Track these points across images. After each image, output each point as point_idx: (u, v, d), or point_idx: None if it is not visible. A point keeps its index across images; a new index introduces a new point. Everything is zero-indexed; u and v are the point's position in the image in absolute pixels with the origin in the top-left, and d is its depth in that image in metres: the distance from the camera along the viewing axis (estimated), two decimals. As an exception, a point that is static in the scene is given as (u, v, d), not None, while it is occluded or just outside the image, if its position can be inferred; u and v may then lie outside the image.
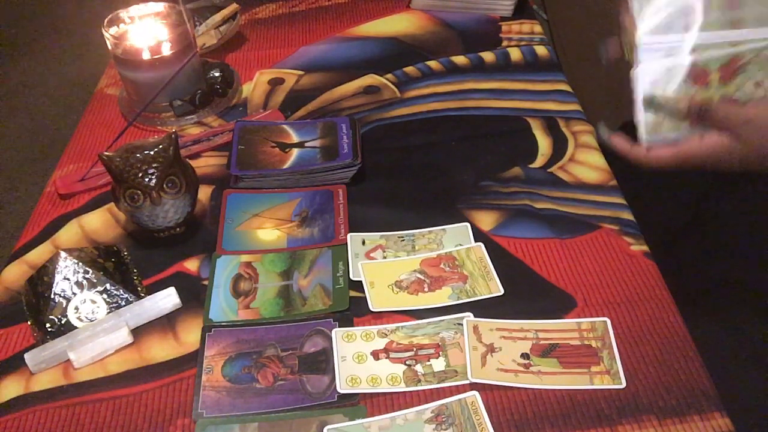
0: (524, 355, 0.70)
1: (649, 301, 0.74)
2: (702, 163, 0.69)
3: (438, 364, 0.70)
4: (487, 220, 0.85)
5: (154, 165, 0.79)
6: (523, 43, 1.16)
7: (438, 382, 0.68)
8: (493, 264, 0.79)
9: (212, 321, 0.76)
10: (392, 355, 0.71)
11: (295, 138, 0.98)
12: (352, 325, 0.74)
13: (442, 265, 0.80)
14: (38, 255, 0.86)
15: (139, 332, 0.76)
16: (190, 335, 0.76)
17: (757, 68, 0.65)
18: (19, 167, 2.28)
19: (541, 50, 1.14)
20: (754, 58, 0.65)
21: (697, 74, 0.67)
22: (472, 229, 0.84)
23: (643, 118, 0.69)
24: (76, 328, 0.76)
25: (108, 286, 0.78)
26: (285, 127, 1.01)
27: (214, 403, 0.68)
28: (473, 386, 0.68)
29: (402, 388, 0.68)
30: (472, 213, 0.87)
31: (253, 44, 1.24)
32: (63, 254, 0.78)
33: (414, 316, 0.75)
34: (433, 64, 1.14)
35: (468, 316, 0.74)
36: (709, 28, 0.66)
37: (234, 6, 1.24)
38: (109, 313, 0.77)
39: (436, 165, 0.95)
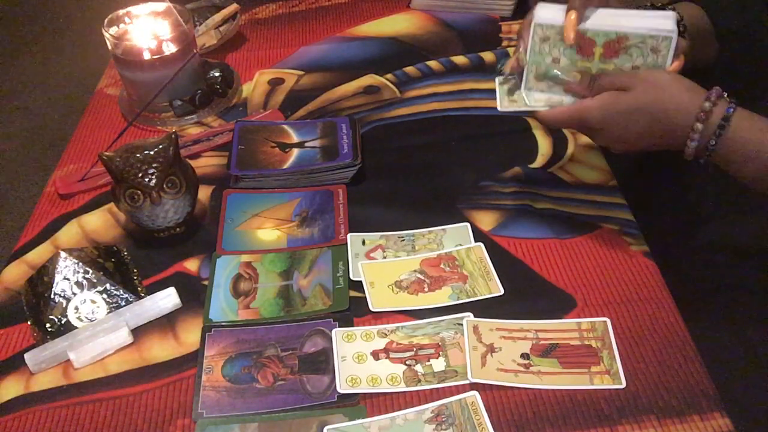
0: (524, 355, 0.70)
1: (649, 301, 0.74)
2: (598, 121, 0.72)
3: (438, 364, 0.70)
4: (487, 220, 0.85)
5: (154, 165, 0.79)
6: (523, 43, 1.16)
7: (438, 382, 0.68)
8: (493, 264, 0.79)
9: (212, 321, 0.76)
10: (392, 355, 0.71)
11: (295, 138, 0.98)
12: (352, 325, 0.74)
13: (442, 265, 0.80)
14: (38, 255, 0.86)
15: (139, 332, 0.76)
16: (190, 335, 0.76)
17: (639, 53, 0.71)
18: (19, 167, 2.28)
19: (541, 50, 1.14)
20: (639, 43, 0.70)
21: (584, 44, 0.73)
22: (472, 229, 0.84)
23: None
24: (76, 328, 0.76)
25: (108, 286, 0.78)
26: (285, 127, 1.01)
27: (214, 403, 0.68)
28: (473, 386, 0.68)
29: (402, 388, 0.68)
30: (472, 213, 0.87)
31: (253, 44, 1.24)
32: (63, 254, 0.78)
33: (414, 316, 0.75)
34: (433, 64, 1.14)
35: (468, 316, 0.74)
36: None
37: (234, 6, 1.24)
38: (109, 313, 0.77)
39: (436, 165, 0.95)
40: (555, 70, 0.74)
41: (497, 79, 0.80)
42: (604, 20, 0.72)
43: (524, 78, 0.76)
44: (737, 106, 0.68)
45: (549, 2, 0.76)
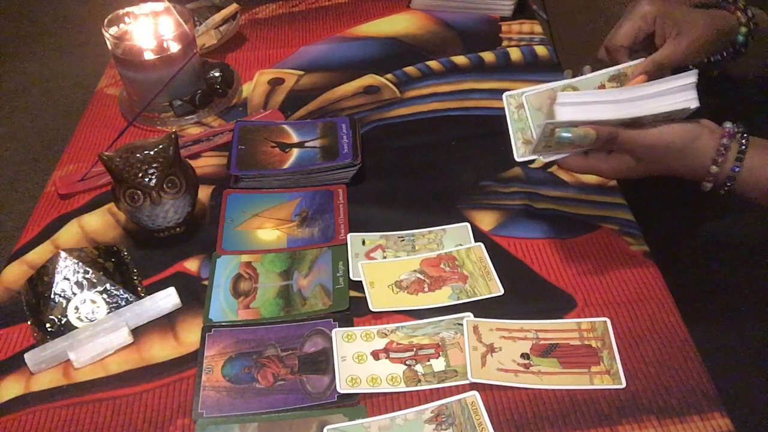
0: (524, 355, 0.70)
1: (649, 301, 0.74)
2: (608, 177, 0.76)
3: (438, 364, 0.70)
4: (487, 220, 0.85)
5: (154, 165, 0.79)
6: (523, 43, 1.16)
7: (438, 382, 0.68)
8: (493, 264, 0.79)
9: (212, 321, 0.76)
10: (392, 355, 0.71)
11: (295, 138, 0.98)
12: (352, 325, 0.74)
13: (442, 265, 0.80)
14: (38, 255, 0.86)
15: (139, 332, 0.76)
16: (190, 335, 0.75)
17: (653, 117, 0.69)
18: (19, 167, 2.28)
19: (541, 50, 1.14)
20: (653, 118, 0.69)
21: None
22: (472, 229, 0.84)
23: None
24: (76, 328, 0.76)
25: (108, 286, 0.78)
26: (285, 127, 1.01)
27: (214, 403, 0.68)
28: (473, 386, 0.68)
29: (402, 388, 0.68)
30: (472, 213, 0.87)
31: (253, 44, 1.24)
32: (63, 254, 0.78)
33: (414, 316, 0.75)
34: (433, 64, 1.14)
35: (468, 316, 0.74)
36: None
37: (234, 6, 1.24)
38: (109, 313, 0.77)
39: (436, 165, 0.95)
40: (565, 134, 0.70)
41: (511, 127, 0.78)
42: (623, 108, 0.69)
43: (534, 145, 0.73)
44: (749, 142, 0.68)
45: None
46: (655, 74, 0.74)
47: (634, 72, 0.75)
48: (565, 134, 0.68)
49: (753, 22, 0.78)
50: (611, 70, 0.76)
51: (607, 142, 0.68)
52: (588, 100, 0.69)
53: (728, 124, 0.68)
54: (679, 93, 0.68)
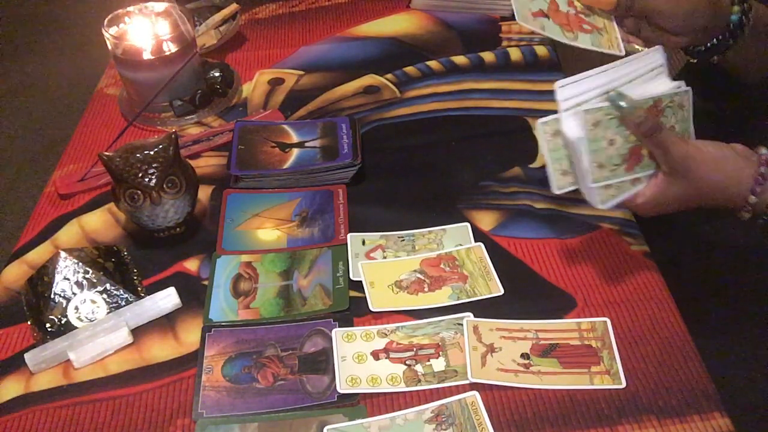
0: (524, 355, 0.70)
1: (649, 301, 0.74)
2: (650, 210, 0.70)
3: (438, 364, 0.70)
4: (487, 220, 0.85)
5: (154, 165, 0.79)
6: (523, 43, 1.16)
7: (438, 382, 0.68)
8: (493, 264, 0.79)
9: (212, 321, 0.76)
10: (392, 355, 0.71)
11: (295, 138, 0.98)
12: (352, 325, 0.74)
13: (442, 265, 0.80)
14: (38, 255, 0.86)
15: (139, 332, 0.76)
16: (190, 335, 0.75)
17: (672, 112, 0.68)
18: (19, 167, 2.28)
19: (541, 50, 1.14)
20: (669, 102, 0.67)
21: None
22: (472, 229, 0.84)
23: (595, 186, 0.68)
24: (76, 328, 0.76)
25: (108, 286, 0.78)
26: (285, 127, 1.01)
27: (214, 403, 0.68)
28: (473, 386, 0.68)
29: (402, 388, 0.68)
30: (472, 213, 0.87)
31: (253, 44, 1.24)
32: (63, 254, 0.78)
33: (414, 316, 0.75)
34: (433, 64, 1.14)
35: (468, 316, 0.74)
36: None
37: (234, 6, 1.24)
38: (109, 313, 0.77)
39: (436, 165, 0.95)
40: (621, 102, 0.67)
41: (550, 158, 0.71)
42: (632, 92, 0.67)
43: (585, 176, 0.69)
44: None
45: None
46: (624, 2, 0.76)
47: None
48: (621, 102, 0.65)
49: (746, 3, 0.78)
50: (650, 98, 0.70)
51: (651, 129, 0.65)
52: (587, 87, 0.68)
53: (764, 151, 0.66)
54: (661, 78, 0.68)
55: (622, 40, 0.81)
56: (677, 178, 0.66)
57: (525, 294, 0.76)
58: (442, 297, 0.76)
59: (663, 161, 0.66)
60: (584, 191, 0.70)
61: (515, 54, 1.14)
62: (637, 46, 0.78)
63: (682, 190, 0.67)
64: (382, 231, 0.85)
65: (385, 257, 0.81)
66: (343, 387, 0.68)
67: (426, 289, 0.77)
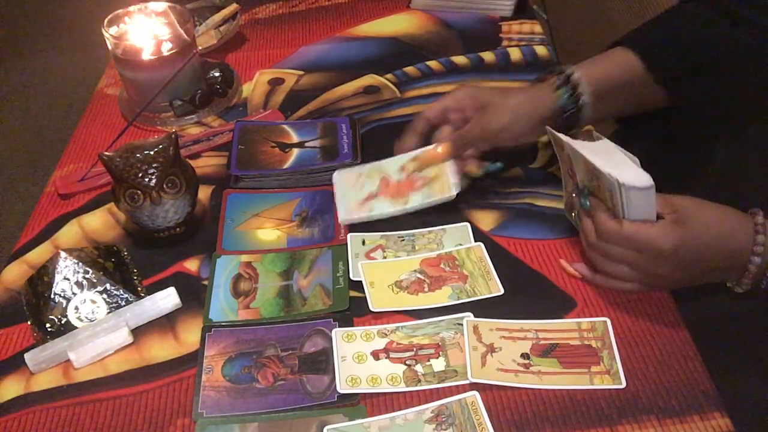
0: (524, 355, 0.70)
1: (649, 301, 0.74)
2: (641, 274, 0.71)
3: (438, 364, 0.70)
4: (487, 220, 0.85)
5: (154, 165, 0.79)
6: (523, 43, 1.16)
7: (438, 382, 0.68)
8: (493, 264, 0.79)
9: (212, 321, 0.76)
10: (392, 355, 0.71)
11: (295, 138, 0.98)
12: (352, 325, 0.74)
13: (442, 265, 0.80)
14: (38, 255, 0.86)
15: (139, 332, 0.76)
16: (190, 335, 0.76)
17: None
18: (19, 167, 2.28)
19: (541, 50, 1.14)
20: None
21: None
22: (472, 229, 0.84)
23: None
24: (76, 328, 0.76)
25: (108, 286, 0.78)
26: (285, 127, 1.01)
27: (214, 403, 0.68)
28: (473, 386, 0.68)
29: (402, 388, 0.68)
30: (472, 213, 0.87)
31: (253, 44, 1.24)
32: (63, 254, 0.78)
33: (414, 316, 0.75)
34: (433, 64, 1.14)
35: (468, 316, 0.74)
36: None
37: (234, 6, 1.24)
38: (109, 313, 0.77)
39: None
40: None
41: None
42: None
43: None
44: None
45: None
46: (458, 146, 0.85)
47: (441, 137, 0.86)
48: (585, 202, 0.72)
49: (571, 78, 0.80)
50: (412, 153, 0.88)
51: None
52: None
53: (759, 218, 0.67)
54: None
55: (464, 172, 0.86)
56: (679, 225, 0.68)
57: (525, 294, 0.76)
58: (442, 297, 0.76)
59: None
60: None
61: (515, 54, 1.14)
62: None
63: (683, 237, 0.67)
64: (382, 231, 0.85)
65: (385, 257, 0.81)
66: (343, 387, 0.68)
67: (426, 289, 0.77)
